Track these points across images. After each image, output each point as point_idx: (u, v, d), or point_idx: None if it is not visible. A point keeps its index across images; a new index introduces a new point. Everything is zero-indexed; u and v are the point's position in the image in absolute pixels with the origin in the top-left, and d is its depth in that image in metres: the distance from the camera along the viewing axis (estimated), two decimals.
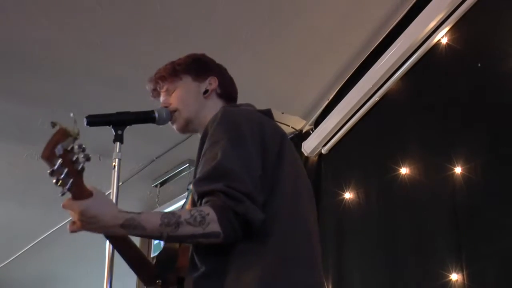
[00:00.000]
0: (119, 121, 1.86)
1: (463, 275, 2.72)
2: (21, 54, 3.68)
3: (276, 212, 1.60)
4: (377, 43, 3.54)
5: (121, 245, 1.70)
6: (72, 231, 1.49)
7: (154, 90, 2.04)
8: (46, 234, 6.09)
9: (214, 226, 1.50)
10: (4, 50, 3.63)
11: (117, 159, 1.82)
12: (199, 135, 1.83)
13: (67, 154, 1.40)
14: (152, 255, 5.23)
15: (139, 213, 1.50)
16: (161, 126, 1.99)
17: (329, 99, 3.97)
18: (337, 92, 3.90)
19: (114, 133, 1.85)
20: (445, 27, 3.06)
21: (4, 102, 4.14)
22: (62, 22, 3.45)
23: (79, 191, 1.45)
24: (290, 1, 3.35)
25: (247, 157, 1.62)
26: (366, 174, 3.53)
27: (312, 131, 4.08)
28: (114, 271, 1.78)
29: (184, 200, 1.87)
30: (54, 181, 1.41)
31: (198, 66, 2.00)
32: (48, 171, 1.40)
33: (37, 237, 6.19)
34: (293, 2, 3.36)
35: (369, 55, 3.61)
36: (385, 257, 3.24)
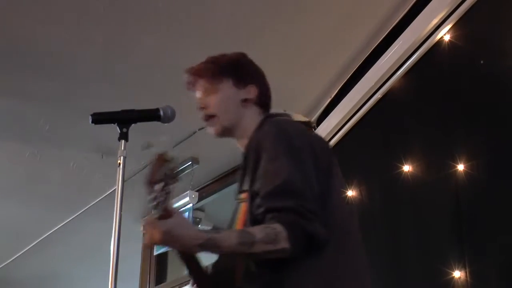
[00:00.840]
0: (124, 119, 1.86)
1: (466, 272, 2.72)
2: (23, 53, 3.68)
3: (329, 227, 1.63)
4: (379, 41, 3.54)
5: (188, 257, 1.76)
6: (147, 247, 1.59)
7: (190, 83, 1.96)
8: (47, 234, 6.08)
9: (284, 243, 1.54)
10: (6, 49, 3.64)
11: (122, 157, 1.82)
12: (236, 143, 1.88)
13: (165, 178, 1.52)
14: (154, 253, 5.24)
15: (217, 232, 1.56)
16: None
17: (331, 97, 3.97)
18: (339, 90, 3.90)
19: (119, 131, 1.85)
20: (448, 24, 3.06)
21: (6, 101, 4.14)
22: (64, 21, 3.45)
23: (166, 211, 1.51)
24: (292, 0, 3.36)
25: (307, 175, 1.65)
26: (368, 171, 3.53)
27: (315, 129, 4.08)
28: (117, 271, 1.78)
29: (234, 210, 1.83)
30: (154, 204, 1.51)
31: (241, 72, 1.92)
32: (151, 197, 1.51)
33: (38, 237, 6.19)
34: (295, 1, 3.36)
35: (371, 53, 3.61)
36: (388, 254, 3.24)
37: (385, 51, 3.41)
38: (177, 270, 5.72)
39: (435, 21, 3.10)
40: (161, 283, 5.64)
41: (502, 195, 2.66)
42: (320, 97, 4.05)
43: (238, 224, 1.76)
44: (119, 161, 1.82)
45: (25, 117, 4.31)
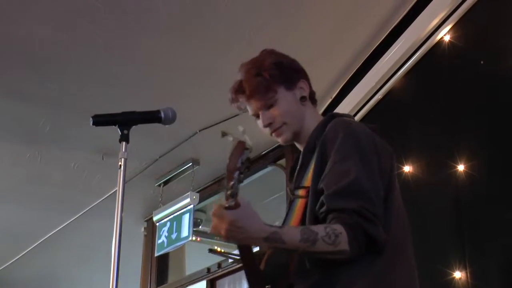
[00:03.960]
0: (125, 121, 1.86)
1: (466, 273, 2.72)
2: (24, 54, 3.68)
3: (387, 232, 1.63)
4: (380, 41, 3.54)
5: (246, 252, 1.72)
6: (216, 235, 1.56)
7: (238, 103, 1.88)
8: (49, 235, 6.09)
9: (344, 245, 1.55)
10: (6, 50, 3.64)
11: (123, 159, 1.82)
12: (297, 145, 1.88)
13: (241, 166, 1.49)
14: (155, 255, 5.24)
15: (280, 227, 1.56)
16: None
17: (332, 97, 3.97)
18: (340, 90, 3.91)
19: (120, 133, 1.85)
20: (448, 24, 3.06)
21: (7, 102, 4.14)
22: (64, 22, 3.45)
23: (235, 202, 1.50)
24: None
25: (374, 178, 1.66)
26: None
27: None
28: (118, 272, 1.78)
29: (290, 207, 1.81)
30: (229, 193, 1.48)
31: (286, 73, 1.86)
32: (230, 184, 1.47)
33: (40, 238, 6.20)
34: (295, 1, 3.36)
35: (372, 53, 3.61)
36: None
37: (386, 52, 3.41)
38: (178, 271, 5.73)
39: (435, 22, 3.10)
40: (162, 284, 5.64)
41: (502, 195, 2.67)
42: (321, 98, 4.04)
43: (294, 221, 1.74)
44: (120, 163, 1.82)
45: (25, 119, 4.32)
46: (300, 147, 1.88)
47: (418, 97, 3.29)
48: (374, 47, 3.58)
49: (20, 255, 6.59)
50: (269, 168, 4.73)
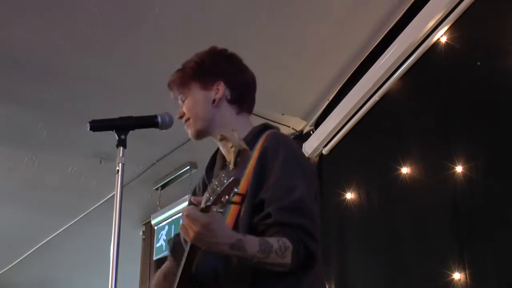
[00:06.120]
0: (122, 126, 1.86)
1: (465, 274, 2.72)
2: (22, 59, 3.69)
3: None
4: (376, 43, 3.54)
5: (193, 254, 1.70)
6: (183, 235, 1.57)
7: (170, 90, 2.02)
8: (47, 239, 6.09)
9: (288, 259, 1.60)
10: (4, 55, 3.64)
11: (120, 164, 1.82)
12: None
13: (226, 168, 1.44)
14: (154, 258, 5.23)
15: (244, 235, 1.58)
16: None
17: (329, 100, 3.97)
18: (337, 93, 3.91)
19: (117, 138, 1.85)
20: (444, 26, 3.06)
21: (4, 107, 4.14)
22: (62, 26, 3.46)
23: (206, 206, 1.49)
24: (289, 2, 3.36)
25: (312, 197, 1.74)
26: (367, 174, 3.53)
27: (313, 132, 4.08)
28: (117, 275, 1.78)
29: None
30: (226, 198, 1.45)
31: (205, 72, 1.93)
32: (231, 193, 1.44)
33: (38, 242, 6.19)
34: (292, 3, 3.36)
35: (368, 55, 3.61)
36: (387, 256, 3.25)
37: (382, 54, 3.41)
38: None
39: (431, 23, 3.10)
40: None
41: (501, 196, 2.67)
42: (318, 100, 4.05)
43: None
44: (117, 168, 1.82)
45: (23, 123, 4.31)
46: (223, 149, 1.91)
47: (415, 99, 3.29)
48: (371, 49, 3.59)
49: (18, 260, 6.59)
50: None
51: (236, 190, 1.44)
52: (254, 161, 1.73)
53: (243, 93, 1.95)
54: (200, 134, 1.93)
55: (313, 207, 1.70)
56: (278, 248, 1.57)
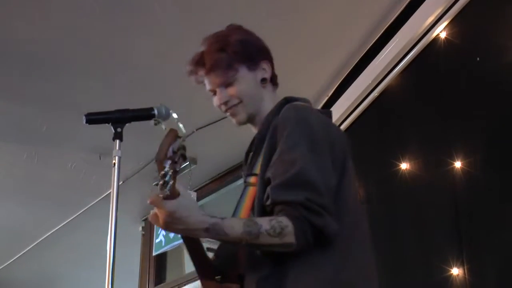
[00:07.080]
0: (118, 119, 1.86)
1: (464, 270, 2.72)
2: (21, 55, 3.69)
3: (339, 222, 1.59)
4: (376, 38, 3.54)
5: (191, 242, 1.68)
6: (154, 224, 1.51)
7: (197, 76, 1.86)
8: (47, 235, 6.09)
9: (290, 238, 1.52)
10: (4, 51, 3.64)
11: (117, 157, 1.82)
12: (252, 129, 1.83)
13: (174, 155, 1.41)
14: (153, 254, 5.24)
15: (222, 219, 1.52)
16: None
17: (329, 96, 3.97)
18: (336, 88, 3.91)
19: (113, 131, 1.85)
20: (444, 21, 3.06)
21: (4, 103, 4.14)
22: (62, 23, 3.46)
23: (172, 192, 1.43)
24: None
25: (324, 167, 1.61)
26: (366, 169, 3.52)
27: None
28: (115, 272, 1.77)
29: (241, 194, 1.76)
30: (161, 183, 1.40)
31: (250, 52, 1.82)
32: (160, 174, 1.39)
33: (38, 238, 6.20)
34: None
35: (368, 50, 3.61)
36: (386, 252, 3.24)
37: (382, 49, 3.41)
38: (176, 270, 5.72)
39: (431, 19, 3.10)
40: (160, 283, 5.64)
41: (500, 192, 2.66)
42: (317, 96, 4.04)
43: (244, 209, 1.71)
44: (114, 161, 1.81)
45: (22, 119, 4.31)
46: (255, 131, 1.84)
47: (415, 94, 3.29)
48: (370, 44, 3.58)
49: (18, 255, 6.59)
50: None
51: (166, 169, 1.39)
52: (267, 137, 1.68)
53: (274, 69, 1.89)
54: (250, 118, 1.83)
55: (318, 176, 1.56)
56: (270, 228, 1.50)
